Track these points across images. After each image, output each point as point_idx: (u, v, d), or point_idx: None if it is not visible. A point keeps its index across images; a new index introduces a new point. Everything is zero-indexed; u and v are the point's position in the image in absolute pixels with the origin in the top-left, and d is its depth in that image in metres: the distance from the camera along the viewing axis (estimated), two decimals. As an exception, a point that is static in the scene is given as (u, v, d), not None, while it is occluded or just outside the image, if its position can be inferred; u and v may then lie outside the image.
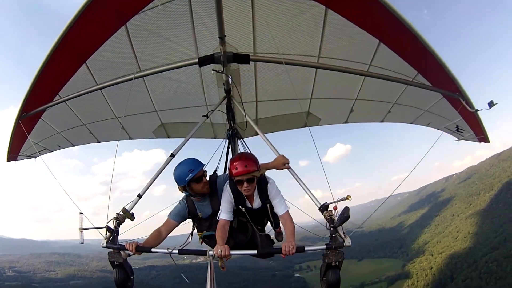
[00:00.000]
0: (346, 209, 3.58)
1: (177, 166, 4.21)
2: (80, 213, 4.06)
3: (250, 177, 3.87)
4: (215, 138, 8.15)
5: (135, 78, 4.93)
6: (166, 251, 3.76)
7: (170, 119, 7.07)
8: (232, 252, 3.58)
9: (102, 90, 5.42)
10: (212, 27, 4.53)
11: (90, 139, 7.16)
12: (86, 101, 5.54)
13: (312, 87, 6.26)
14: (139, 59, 5.00)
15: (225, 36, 4.26)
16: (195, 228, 4.53)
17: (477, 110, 4.87)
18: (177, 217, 4.36)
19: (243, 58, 4.80)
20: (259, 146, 6.04)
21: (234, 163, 3.92)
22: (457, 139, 6.57)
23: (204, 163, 4.27)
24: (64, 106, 5.58)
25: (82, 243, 4.10)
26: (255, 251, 3.83)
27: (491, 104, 4.54)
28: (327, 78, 5.97)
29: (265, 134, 7.41)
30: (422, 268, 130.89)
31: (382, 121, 7.48)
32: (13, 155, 6.39)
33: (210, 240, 4.41)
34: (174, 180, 4.21)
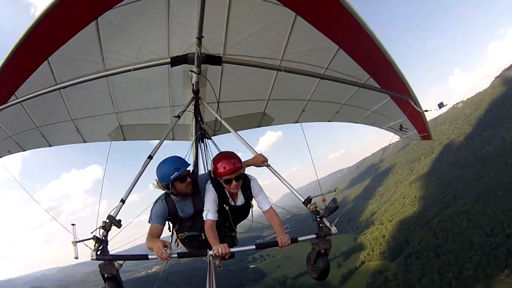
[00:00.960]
0: (334, 200, 3.92)
1: (161, 162, 4.05)
2: (72, 224, 3.70)
3: (238, 174, 3.95)
4: (172, 139, 8.02)
5: (103, 77, 4.79)
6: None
7: (128, 121, 6.79)
8: (232, 249, 3.59)
9: (60, 90, 5.03)
10: (186, 27, 4.59)
11: (42, 143, 6.57)
12: (42, 101, 5.08)
13: (271, 88, 6.54)
14: (105, 57, 4.81)
15: (203, 37, 4.29)
16: (175, 229, 4.35)
17: (425, 111, 5.53)
18: (161, 220, 4.05)
19: (216, 60, 4.93)
20: (224, 146, 6.21)
21: (220, 163, 3.93)
22: (399, 137, 7.36)
23: (188, 163, 4.14)
24: (18, 107, 5.09)
25: (76, 257, 3.64)
26: (253, 246, 3.87)
27: (441, 105, 5.19)
28: (285, 80, 6.25)
29: (222, 135, 7.63)
30: (374, 237, 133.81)
31: (330, 121, 8.07)
32: None
33: (191, 241, 4.32)
34: (156, 178, 4.07)
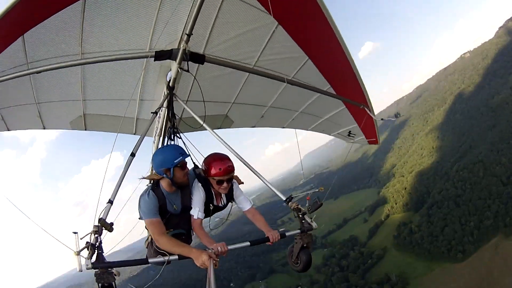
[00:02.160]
0: (318, 198, 4.43)
1: (162, 149, 4.03)
2: (74, 232, 3.15)
3: (231, 177, 4.13)
4: (134, 134, 7.80)
5: (79, 64, 4.74)
6: (162, 259, 3.47)
7: (93, 111, 6.49)
8: (230, 247, 3.65)
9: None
10: (173, 22, 4.65)
11: (1, 126, 5.96)
12: (7, 82, 4.60)
13: (238, 92, 6.80)
14: (84, 40, 4.61)
15: (192, 34, 4.44)
16: None
17: (381, 119, 6.29)
18: (157, 213, 3.84)
19: (199, 58, 5.04)
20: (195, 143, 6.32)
21: (216, 164, 4.05)
22: (346, 142, 8.17)
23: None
24: None
25: (81, 270, 3.08)
26: (248, 243, 4.00)
27: (397, 115, 6.01)
28: (252, 85, 6.57)
29: (186, 133, 7.70)
30: (396, 190, 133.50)
31: (283, 127, 8.59)
32: None
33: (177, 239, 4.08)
34: (151, 164, 4.00)
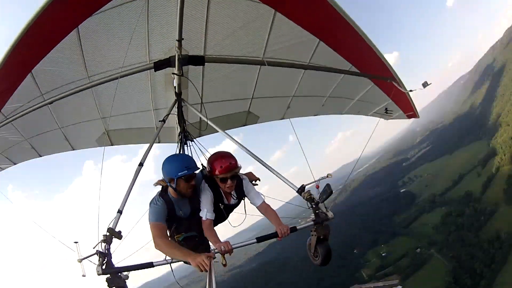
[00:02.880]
0: (328, 185, 4.04)
1: (172, 156, 4.03)
2: (75, 242, 3.62)
3: (234, 174, 4.02)
4: (159, 142, 8.02)
5: (89, 87, 4.88)
6: (166, 261, 3.60)
7: (115, 126, 6.80)
8: (235, 245, 3.63)
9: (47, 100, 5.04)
10: (165, 31, 4.62)
11: (32, 154, 6.55)
12: (28, 115, 5.08)
13: (254, 87, 6.58)
14: (88, 64, 4.83)
15: (183, 39, 4.36)
16: (172, 230, 4.23)
17: (410, 91, 5.63)
18: (163, 218, 3.91)
19: (198, 60, 5.00)
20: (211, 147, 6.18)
21: (217, 162, 4.00)
22: (385, 120, 7.52)
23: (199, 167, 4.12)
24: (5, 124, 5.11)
25: (84, 275, 3.53)
26: (254, 240, 3.95)
27: (425, 84, 5.31)
28: (268, 77, 6.33)
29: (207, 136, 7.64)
30: (503, 140, 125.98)
31: (316, 115, 8.18)
32: None
33: (187, 243, 4.18)
34: (161, 171, 4.00)
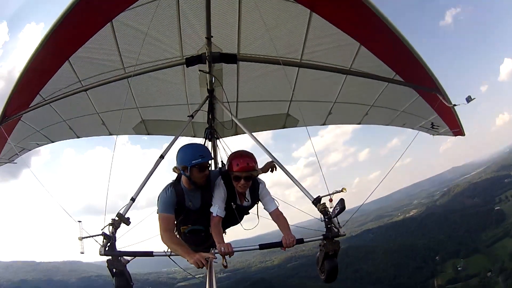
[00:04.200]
0: (342, 200, 3.81)
1: (187, 145, 3.99)
2: (79, 221, 3.87)
3: (249, 175, 3.90)
4: (194, 136, 8.14)
5: (133, 75, 4.96)
6: (164, 253, 3.65)
7: (150, 116, 7.00)
8: (236, 248, 3.59)
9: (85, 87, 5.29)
10: (197, 27, 4.59)
11: (70, 134, 6.98)
12: (67, 97, 5.36)
13: (293, 89, 6.37)
14: (123, 56, 4.99)
15: (212, 36, 4.32)
16: (179, 221, 4.18)
17: (454, 105, 5.14)
18: (171, 209, 3.88)
19: (230, 58, 4.92)
20: (237, 147, 5.88)
21: (236, 159, 3.94)
22: (432, 135, 6.92)
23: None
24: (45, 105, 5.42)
25: (82, 252, 3.80)
26: (257, 246, 3.88)
27: (468, 99, 4.77)
28: (307, 81, 6.10)
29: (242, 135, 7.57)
30: None
31: (359, 123, 7.74)
32: None
33: (192, 236, 4.19)
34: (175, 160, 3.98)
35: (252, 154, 4.05)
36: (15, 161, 6.69)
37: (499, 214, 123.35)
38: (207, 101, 5.79)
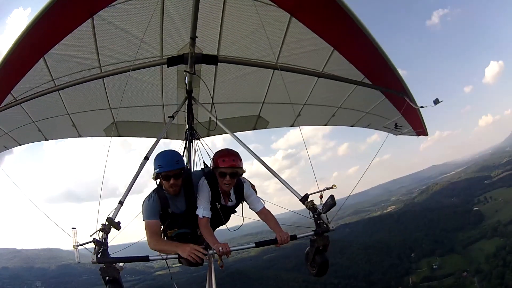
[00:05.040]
0: (332, 197, 4.03)
1: (159, 153, 4.09)
2: (73, 228, 3.77)
3: (235, 172, 4.01)
4: (166, 138, 8.06)
5: (101, 77, 4.95)
6: (161, 257, 3.64)
7: (123, 118, 6.83)
8: (233, 248, 3.64)
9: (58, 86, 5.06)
10: (180, 27, 4.61)
11: (38, 137, 6.61)
12: (38, 98, 5.12)
13: (266, 91, 6.55)
14: (101, 54, 4.85)
15: (197, 37, 4.35)
16: (165, 226, 4.23)
17: (421, 107, 5.53)
18: (156, 215, 3.98)
19: (212, 59, 4.99)
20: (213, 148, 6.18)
21: (222, 156, 4.04)
22: (395, 135, 7.40)
23: (183, 163, 4.16)
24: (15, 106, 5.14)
25: (79, 262, 3.67)
26: (253, 244, 3.97)
27: (436, 102, 5.15)
28: (280, 83, 6.14)
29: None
30: None
31: (325, 125, 8.09)
32: None
33: (180, 239, 4.16)
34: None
35: (237, 152, 4.19)
36: None
37: (477, 215, 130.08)
38: (186, 102, 5.78)
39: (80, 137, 7.03)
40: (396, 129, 7.16)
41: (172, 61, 4.87)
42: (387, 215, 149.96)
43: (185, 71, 5.04)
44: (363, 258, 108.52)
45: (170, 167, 3.92)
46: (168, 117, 5.63)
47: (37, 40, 4.21)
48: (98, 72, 5.06)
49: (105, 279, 3.48)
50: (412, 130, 6.91)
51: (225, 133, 5.72)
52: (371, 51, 4.84)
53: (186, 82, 5.47)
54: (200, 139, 6.30)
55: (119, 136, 7.33)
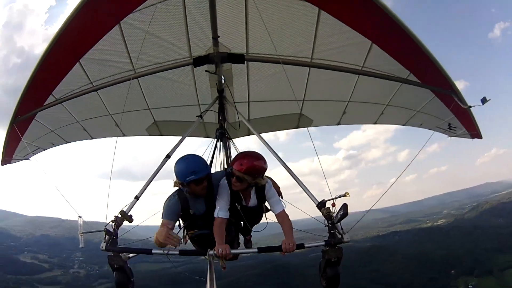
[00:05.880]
0: (345, 205, 3.68)
1: (182, 159, 4.02)
2: (79, 217, 4.00)
3: (244, 178, 3.86)
4: (207, 137, 8.11)
5: (133, 78, 5.06)
6: (162, 252, 3.69)
7: (163, 117, 7.05)
8: (233, 251, 3.62)
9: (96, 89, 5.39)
10: (205, 27, 4.56)
11: (84, 136, 7.12)
12: (79, 99, 5.49)
13: (305, 88, 6.28)
14: (133, 57, 5.02)
15: (219, 36, 4.32)
16: (185, 226, 4.32)
17: (469, 107, 4.93)
18: (173, 216, 4.04)
19: (238, 58, 4.91)
20: (250, 147, 5.65)
21: (241, 158, 3.93)
22: (449, 136, 6.66)
23: (209, 167, 4.14)
24: (58, 105, 5.54)
25: (82, 247, 3.97)
26: (255, 249, 3.92)
27: (483, 101, 4.56)
28: (319, 80, 6.00)
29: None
30: None
31: (375, 123, 7.52)
32: (7, 158, 6.36)
33: (202, 240, 4.24)
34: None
35: (260, 158, 3.97)
36: (29, 159, 6.87)
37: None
38: (217, 102, 5.78)
39: (124, 136, 7.42)
40: (450, 130, 6.42)
41: (198, 61, 4.87)
42: (436, 228, 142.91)
43: (206, 70, 5.06)
44: (405, 268, 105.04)
45: (204, 173, 3.91)
46: (196, 116, 5.68)
47: (69, 46, 4.49)
48: (131, 74, 5.24)
49: (113, 267, 3.73)
50: (466, 132, 6.16)
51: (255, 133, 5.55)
52: (411, 45, 4.36)
53: (216, 81, 5.45)
54: (231, 139, 6.24)
55: (161, 135, 7.60)
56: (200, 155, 4.23)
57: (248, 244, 5.50)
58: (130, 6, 4.15)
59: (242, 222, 4.52)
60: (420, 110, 6.41)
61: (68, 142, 7.27)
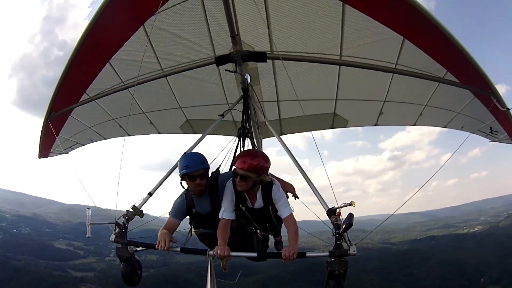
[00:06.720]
0: (350, 215, 3.43)
1: (184, 155, 4.23)
2: (88, 208, 4.29)
3: (245, 175, 3.79)
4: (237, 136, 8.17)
5: (160, 77, 5.27)
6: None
7: (194, 116, 7.19)
8: (232, 253, 3.60)
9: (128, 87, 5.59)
10: (226, 26, 4.45)
11: (121, 132, 7.41)
12: (113, 97, 5.74)
13: (337, 87, 6.08)
14: (160, 57, 5.19)
15: (237, 35, 4.28)
16: (192, 225, 4.41)
17: (508, 109, 4.53)
18: (178, 215, 4.21)
19: (259, 56, 4.83)
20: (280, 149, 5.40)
21: (242, 158, 3.91)
22: (491, 141, 6.09)
23: (207, 164, 4.18)
24: (92, 103, 5.85)
25: (89, 236, 4.24)
26: (254, 254, 3.88)
27: None
28: (351, 78, 5.77)
29: (293, 134, 7.35)
30: None
31: (414, 124, 7.09)
32: (44, 152, 6.70)
33: (206, 239, 4.28)
34: None
35: (259, 157, 3.91)
36: (68, 153, 7.32)
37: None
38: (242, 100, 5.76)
39: (159, 133, 7.70)
40: (492, 134, 5.82)
41: (220, 60, 4.86)
42: (471, 235, 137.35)
43: (226, 70, 5.01)
44: (438, 273, 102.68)
45: (196, 167, 4.02)
46: (218, 115, 5.69)
47: (98, 47, 4.75)
48: (160, 73, 5.41)
49: (121, 258, 3.97)
50: (507, 137, 5.57)
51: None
52: (445, 41, 4.01)
53: (240, 80, 5.44)
54: (252, 138, 6.19)
55: (194, 133, 7.75)
56: (202, 153, 4.29)
57: (278, 245, 5.45)
58: (151, 8, 4.24)
59: (271, 224, 4.41)
60: (460, 112, 5.89)
61: (106, 139, 7.62)
